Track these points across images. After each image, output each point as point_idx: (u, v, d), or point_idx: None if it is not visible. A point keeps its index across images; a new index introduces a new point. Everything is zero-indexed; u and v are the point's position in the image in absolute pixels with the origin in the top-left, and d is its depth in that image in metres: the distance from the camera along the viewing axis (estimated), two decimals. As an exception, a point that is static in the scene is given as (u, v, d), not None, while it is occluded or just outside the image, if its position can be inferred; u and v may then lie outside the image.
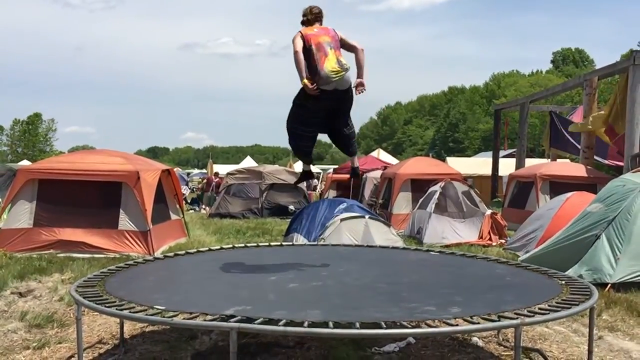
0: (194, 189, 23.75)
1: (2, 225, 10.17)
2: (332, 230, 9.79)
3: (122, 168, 10.25)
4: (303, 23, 5.19)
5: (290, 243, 7.79)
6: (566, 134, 19.61)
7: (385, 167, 18.87)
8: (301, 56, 4.88)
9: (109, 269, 5.35)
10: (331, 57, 4.87)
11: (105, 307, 3.90)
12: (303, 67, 4.86)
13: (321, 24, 5.20)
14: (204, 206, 21.50)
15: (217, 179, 21.96)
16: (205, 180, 23.35)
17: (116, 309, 3.84)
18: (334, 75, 4.82)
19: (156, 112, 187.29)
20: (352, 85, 5.05)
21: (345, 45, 5.11)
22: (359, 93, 5.09)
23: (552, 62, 74.38)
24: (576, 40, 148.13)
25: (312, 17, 5.15)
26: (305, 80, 4.83)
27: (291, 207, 17.37)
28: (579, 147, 17.31)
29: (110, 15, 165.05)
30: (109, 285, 4.63)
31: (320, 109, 5.05)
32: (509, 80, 71.47)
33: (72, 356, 4.85)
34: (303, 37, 4.96)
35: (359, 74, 5.09)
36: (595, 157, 17.47)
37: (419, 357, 4.90)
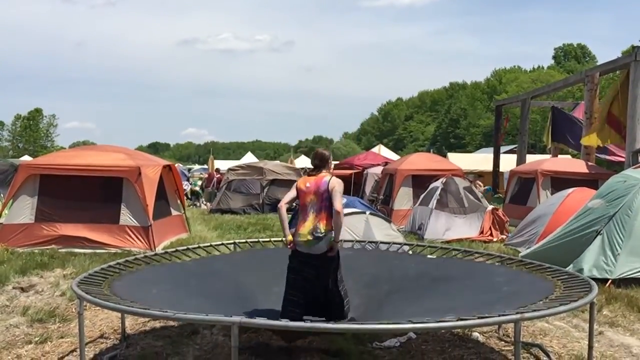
0: (195, 184, 23.68)
1: (3, 221, 10.18)
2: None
3: (123, 163, 10.26)
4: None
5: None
6: (569, 128, 19.59)
7: (386, 163, 18.87)
8: (283, 212, 5.03)
9: (110, 265, 5.37)
10: (308, 223, 4.90)
11: (107, 301, 3.92)
12: (285, 225, 5.02)
13: (324, 167, 5.18)
14: (204, 202, 21.52)
15: (218, 175, 21.97)
16: (206, 176, 23.34)
17: (118, 303, 3.86)
18: (302, 243, 4.86)
19: (157, 107, 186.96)
20: (328, 251, 4.87)
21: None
22: (329, 255, 4.91)
23: (554, 57, 74.26)
24: (578, 35, 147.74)
25: (316, 163, 5.20)
26: (287, 237, 4.96)
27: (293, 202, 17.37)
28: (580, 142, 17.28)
29: (111, 11, 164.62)
30: (110, 281, 4.66)
31: (303, 270, 4.91)
32: (510, 76, 71.40)
33: (73, 350, 4.87)
34: (297, 190, 5.08)
35: (334, 236, 4.89)
36: (597, 154, 17.46)
37: (420, 352, 4.91)
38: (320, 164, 5.20)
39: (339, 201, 4.90)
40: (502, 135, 24.99)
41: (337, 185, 5.00)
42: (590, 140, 15.90)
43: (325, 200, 4.96)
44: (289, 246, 4.95)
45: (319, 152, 5.29)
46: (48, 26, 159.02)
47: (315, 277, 4.88)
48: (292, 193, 5.14)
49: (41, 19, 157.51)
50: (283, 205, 5.04)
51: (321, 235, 4.84)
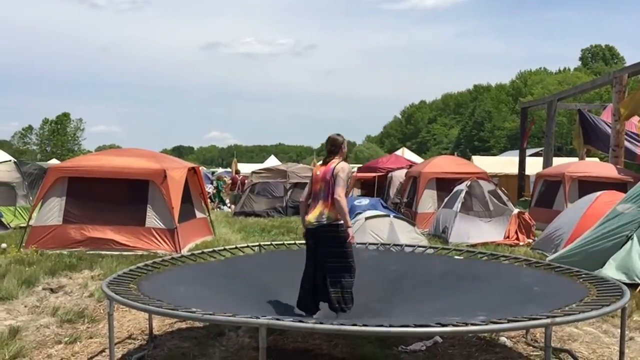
0: (220, 187, 23.79)
1: (33, 223, 10.37)
2: (357, 228, 9.79)
3: (149, 166, 10.38)
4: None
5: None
6: (599, 130, 19.24)
7: (410, 166, 18.77)
8: (303, 207, 5.30)
9: (138, 267, 5.43)
10: (316, 210, 5.08)
11: (136, 302, 3.97)
12: (303, 217, 5.25)
13: (337, 153, 5.21)
14: (229, 204, 21.63)
15: (241, 177, 22.08)
16: (230, 180, 23.46)
17: (146, 304, 3.90)
18: (308, 225, 5.11)
19: (181, 111, 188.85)
20: (328, 232, 5.00)
21: None
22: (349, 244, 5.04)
23: (581, 59, 73.23)
24: (606, 37, 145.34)
25: (329, 148, 5.25)
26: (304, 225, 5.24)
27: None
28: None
29: (136, 16, 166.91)
30: (138, 282, 4.71)
31: (308, 244, 5.18)
32: (535, 78, 70.60)
33: (102, 351, 4.93)
34: (312, 178, 5.27)
35: (343, 221, 5.02)
36: (625, 159, 17.11)
37: (446, 356, 4.87)
38: (333, 149, 5.23)
39: (339, 187, 4.96)
40: (527, 138, 24.65)
41: (340, 171, 5.02)
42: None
43: (331, 187, 5.02)
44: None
45: (332, 137, 5.29)
46: (75, 31, 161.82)
47: (311, 251, 5.08)
48: (308, 187, 5.28)
49: (68, 24, 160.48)
50: (303, 202, 5.29)
51: (325, 222, 4.98)
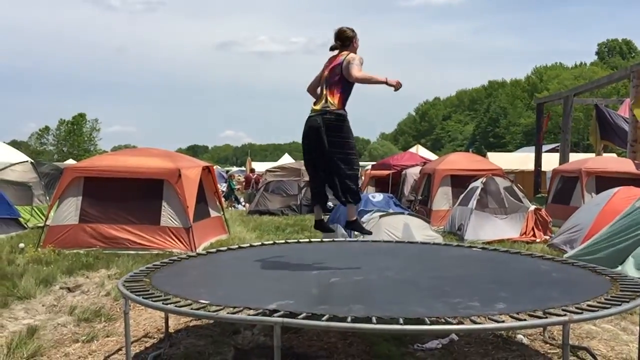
0: (233, 186, 23.87)
1: (50, 223, 10.48)
2: (371, 226, 9.75)
3: (163, 165, 10.44)
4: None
5: (330, 239, 7.78)
6: (615, 125, 19.02)
7: (425, 163, 18.68)
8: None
9: (154, 264, 5.46)
10: (321, 98, 5.05)
11: (152, 301, 3.98)
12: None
13: (347, 47, 5.08)
14: (244, 203, 21.70)
15: (256, 176, 22.14)
16: (244, 179, 23.53)
17: (162, 303, 3.92)
18: (312, 114, 5.07)
19: (195, 110, 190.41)
20: (332, 120, 4.95)
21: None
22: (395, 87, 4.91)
23: (597, 53, 72.53)
24: (623, 30, 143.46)
25: (337, 43, 5.12)
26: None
27: (330, 203, 17.34)
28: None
29: (151, 17, 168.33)
30: (154, 280, 4.73)
31: (309, 136, 5.10)
32: (551, 73, 70.04)
33: (119, 349, 4.96)
34: (321, 70, 5.20)
35: (375, 79, 4.93)
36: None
37: (462, 354, 4.83)
38: (344, 41, 5.04)
39: (355, 68, 4.78)
40: (542, 134, 24.44)
41: (350, 58, 4.86)
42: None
43: (337, 74, 4.91)
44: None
45: (341, 29, 5.09)
46: (90, 32, 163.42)
47: (315, 138, 4.98)
48: (316, 76, 5.21)
49: (84, 25, 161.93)
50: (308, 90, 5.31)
51: (328, 109, 4.91)
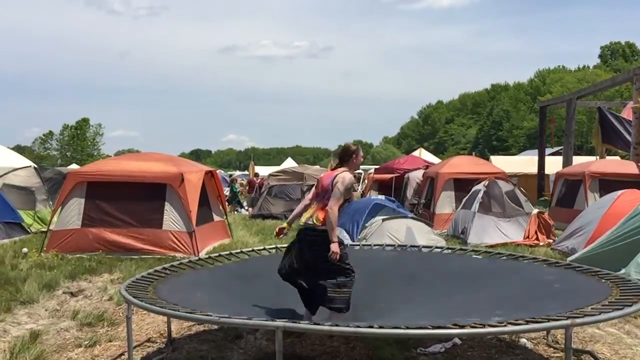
0: (235, 189, 23.83)
1: (53, 227, 10.49)
2: (374, 230, 9.75)
3: (166, 170, 10.45)
4: None
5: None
6: (618, 129, 18.98)
7: (427, 167, 18.65)
8: (301, 205, 5.33)
9: (156, 270, 5.46)
10: (309, 211, 5.07)
11: (154, 306, 3.98)
12: (295, 212, 5.34)
13: (346, 162, 5.09)
14: (247, 207, 21.69)
15: (259, 180, 22.13)
16: (247, 183, 23.49)
17: (165, 308, 3.91)
18: (301, 225, 5.06)
19: (198, 115, 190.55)
20: (313, 235, 4.90)
21: None
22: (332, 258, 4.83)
23: (600, 56, 72.35)
24: (626, 33, 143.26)
25: (340, 155, 5.17)
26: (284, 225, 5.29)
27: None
28: (630, 142, 16.73)
29: (154, 21, 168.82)
30: (157, 285, 4.73)
31: (294, 245, 5.12)
32: (554, 76, 69.94)
33: (122, 354, 4.96)
34: (317, 181, 5.24)
35: (329, 234, 4.85)
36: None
37: (465, 358, 4.82)
38: (343, 157, 5.11)
39: (333, 199, 4.84)
40: (551, 137, 24.52)
41: (340, 181, 4.90)
42: None
43: (329, 193, 4.93)
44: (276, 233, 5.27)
45: (345, 145, 5.19)
46: (94, 37, 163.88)
47: (298, 251, 4.99)
48: (314, 188, 5.24)
49: (87, 30, 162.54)
50: (306, 203, 5.27)
51: (311, 224, 4.92)
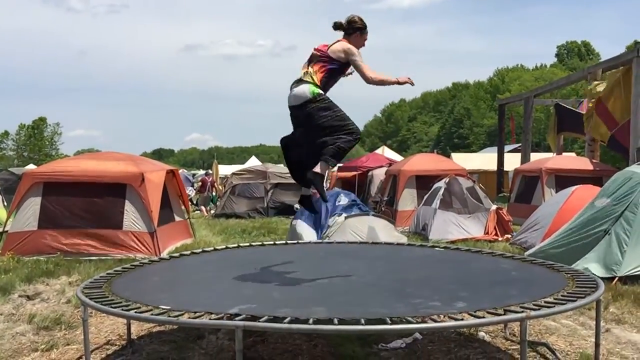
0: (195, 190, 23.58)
1: (9, 229, 10.21)
2: (337, 228, 9.79)
3: (126, 170, 10.28)
4: None
5: (295, 241, 7.79)
6: (573, 120, 19.50)
7: (390, 164, 18.84)
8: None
9: (114, 270, 5.38)
10: (303, 69, 4.77)
11: (112, 308, 3.92)
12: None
13: (350, 35, 4.76)
14: (199, 206, 21.46)
15: (210, 179, 21.95)
16: (200, 182, 23.17)
17: (122, 310, 3.86)
18: (291, 100, 4.72)
19: (161, 114, 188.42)
20: (310, 100, 4.58)
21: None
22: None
23: (557, 55, 74.11)
24: (582, 33, 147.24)
25: (345, 25, 4.79)
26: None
27: (297, 205, 17.35)
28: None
29: (114, 19, 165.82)
30: (115, 287, 4.65)
31: (294, 124, 4.83)
32: (513, 75, 71.36)
33: (80, 357, 4.86)
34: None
35: (384, 79, 4.71)
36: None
37: (426, 353, 4.89)
38: (347, 29, 4.66)
39: (367, 69, 4.48)
40: (512, 135, 25.14)
41: (345, 49, 4.51)
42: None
43: (322, 53, 4.65)
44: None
45: (350, 17, 4.70)
46: (51, 35, 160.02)
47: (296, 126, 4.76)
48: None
49: (45, 28, 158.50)
50: None
51: (304, 79, 4.59)
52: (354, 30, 4.68)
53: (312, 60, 4.76)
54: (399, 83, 4.68)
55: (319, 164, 4.60)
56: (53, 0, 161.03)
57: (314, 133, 4.63)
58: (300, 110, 4.67)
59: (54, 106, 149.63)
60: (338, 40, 4.76)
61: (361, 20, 4.73)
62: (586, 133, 16.71)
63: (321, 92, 4.66)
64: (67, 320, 6.04)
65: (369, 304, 4.12)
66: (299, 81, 4.71)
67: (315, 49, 4.83)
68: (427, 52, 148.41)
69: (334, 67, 4.69)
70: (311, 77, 4.66)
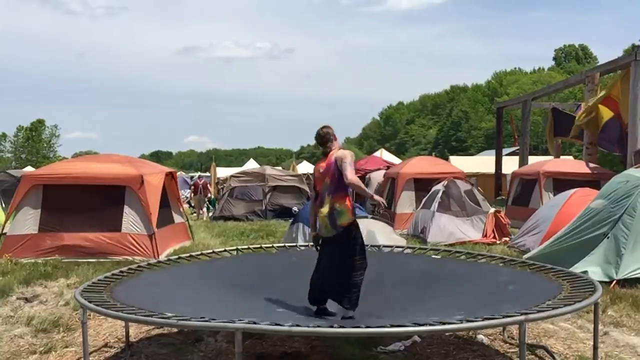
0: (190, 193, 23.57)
1: (7, 232, 10.19)
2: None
3: (125, 172, 10.27)
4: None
5: (294, 244, 7.79)
6: (569, 124, 19.52)
7: (389, 167, 18.85)
8: (312, 209, 5.16)
9: (113, 273, 5.37)
10: (326, 206, 4.95)
11: (110, 310, 3.92)
12: (312, 220, 5.16)
13: (334, 145, 5.07)
14: (194, 209, 21.45)
15: (203, 181, 21.95)
16: (192, 186, 23.18)
17: (121, 312, 3.85)
18: (323, 229, 4.99)
19: (159, 116, 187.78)
20: (342, 237, 4.90)
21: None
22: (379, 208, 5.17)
23: (554, 59, 74.18)
24: (579, 36, 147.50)
25: (320, 143, 5.12)
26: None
27: (295, 208, 17.36)
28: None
29: (112, 21, 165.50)
30: (114, 289, 4.66)
31: (322, 251, 5.09)
32: (510, 78, 71.40)
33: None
34: (314, 179, 5.17)
35: (365, 194, 5.26)
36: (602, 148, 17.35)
37: (425, 356, 4.90)
38: (325, 142, 5.06)
39: (349, 171, 4.79)
40: (514, 138, 25.21)
41: (343, 157, 4.87)
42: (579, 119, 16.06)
43: (335, 179, 4.90)
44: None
45: (319, 132, 5.12)
46: (50, 37, 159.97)
47: (328, 255, 4.97)
48: (313, 188, 5.20)
49: (43, 30, 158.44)
50: (312, 204, 5.19)
51: (338, 228, 4.86)
52: (329, 139, 5.07)
53: (332, 190, 4.95)
54: (372, 198, 5.25)
55: None
56: (51, 2, 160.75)
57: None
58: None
59: (52, 108, 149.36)
60: (329, 160, 5.00)
61: (322, 130, 5.09)
62: (577, 125, 16.63)
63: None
64: (65, 322, 6.04)
65: (369, 310, 4.12)
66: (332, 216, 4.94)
67: (329, 175, 4.96)
68: (425, 55, 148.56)
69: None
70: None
